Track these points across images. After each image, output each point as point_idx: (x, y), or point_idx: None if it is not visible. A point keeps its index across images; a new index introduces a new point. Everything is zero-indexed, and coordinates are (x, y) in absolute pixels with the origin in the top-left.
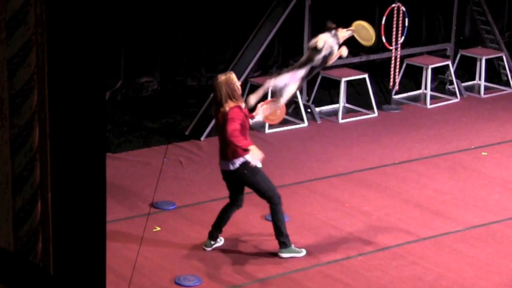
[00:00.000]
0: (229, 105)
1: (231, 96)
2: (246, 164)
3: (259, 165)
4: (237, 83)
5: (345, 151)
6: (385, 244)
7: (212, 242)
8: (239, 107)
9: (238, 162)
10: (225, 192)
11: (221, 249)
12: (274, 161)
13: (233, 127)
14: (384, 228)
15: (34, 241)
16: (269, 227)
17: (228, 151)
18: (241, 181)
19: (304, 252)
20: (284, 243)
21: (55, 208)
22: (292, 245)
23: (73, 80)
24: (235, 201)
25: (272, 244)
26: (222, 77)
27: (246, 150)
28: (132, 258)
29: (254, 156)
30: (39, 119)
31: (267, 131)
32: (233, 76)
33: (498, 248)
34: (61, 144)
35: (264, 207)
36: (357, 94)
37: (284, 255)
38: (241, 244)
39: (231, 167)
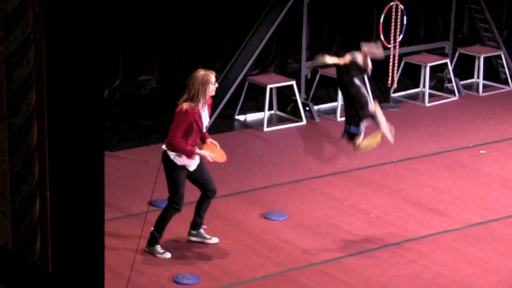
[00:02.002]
0: (185, 104)
1: (196, 97)
2: (172, 162)
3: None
4: (212, 85)
5: (343, 149)
6: (384, 242)
7: (193, 232)
8: (192, 109)
9: (171, 156)
10: (223, 190)
11: (219, 247)
12: (272, 159)
13: (177, 137)
14: (383, 226)
15: (32, 239)
16: (268, 225)
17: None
18: (165, 168)
19: (168, 255)
20: (152, 239)
21: (53, 206)
22: (158, 246)
23: (72, 78)
24: (203, 191)
25: (271, 242)
26: (201, 73)
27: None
28: (130, 257)
29: (205, 159)
30: (37, 117)
31: (265, 129)
32: (211, 76)
33: (496, 246)
34: (60, 143)
35: (262, 205)
36: None
37: (147, 249)
38: (240, 242)
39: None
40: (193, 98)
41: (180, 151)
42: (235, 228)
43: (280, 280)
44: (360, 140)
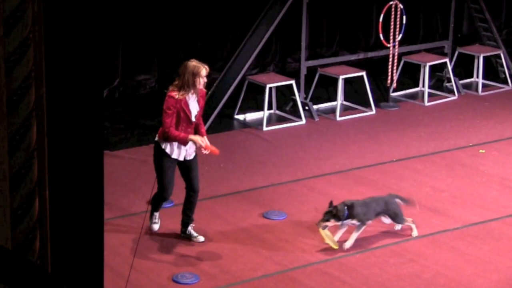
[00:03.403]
0: (173, 92)
1: (182, 87)
2: (160, 150)
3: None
4: (201, 78)
5: (343, 149)
6: (383, 242)
7: (183, 229)
8: (177, 96)
9: (162, 145)
10: (222, 190)
11: (219, 247)
12: (271, 158)
13: (168, 123)
14: (382, 225)
15: (31, 238)
16: (267, 225)
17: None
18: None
19: (155, 228)
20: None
21: (53, 205)
22: (155, 213)
23: (71, 78)
24: (186, 187)
25: (270, 241)
26: (193, 63)
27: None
28: (129, 256)
29: (197, 143)
30: (36, 117)
31: (264, 128)
32: (202, 70)
33: (496, 246)
34: (59, 142)
35: (262, 205)
36: (354, 91)
37: None
38: (239, 242)
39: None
40: (180, 87)
41: (174, 139)
42: (235, 227)
43: (279, 280)
44: (328, 225)
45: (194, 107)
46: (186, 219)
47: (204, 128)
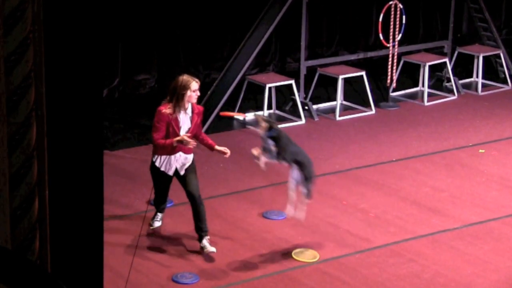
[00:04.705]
0: (162, 106)
1: (171, 100)
2: (152, 163)
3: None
4: (190, 91)
5: (343, 149)
6: (382, 242)
7: (199, 241)
8: (165, 111)
9: (153, 158)
10: (222, 190)
11: (218, 247)
12: None
13: (155, 137)
14: (381, 225)
15: (31, 238)
16: (267, 224)
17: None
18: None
19: (156, 224)
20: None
21: (52, 205)
22: (158, 214)
23: (71, 77)
24: (186, 194)
25: (270, 241)
26: (183, 77)
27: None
28: (129, 256)
29: (184, 141)
30: (36, 116)
31: None
32: (192, 83)
33: (495, 246)
34: (59, 142)
35: (261, 204)
36: (354, 91)
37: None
38: (239, 242)
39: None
40: (170, 101)
41: (163, 148)
42: (234, 227)
43: (279, 280)
44: (258, 120)
45: (186, 123)
46: (200, 232)
47: (210, 140)
